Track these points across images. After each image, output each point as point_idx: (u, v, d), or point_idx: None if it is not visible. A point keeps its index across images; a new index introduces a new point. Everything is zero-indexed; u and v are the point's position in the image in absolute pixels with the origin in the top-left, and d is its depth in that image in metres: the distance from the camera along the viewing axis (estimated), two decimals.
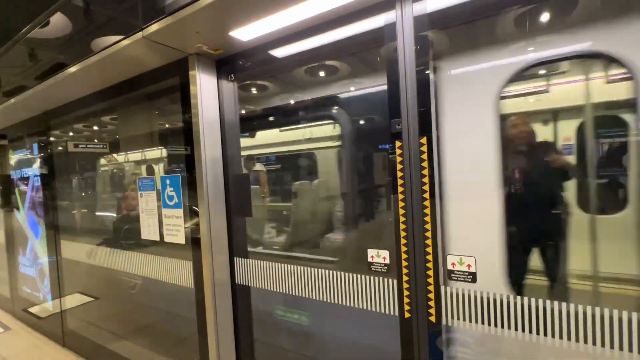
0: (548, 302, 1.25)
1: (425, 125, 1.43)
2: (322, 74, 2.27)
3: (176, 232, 2.15)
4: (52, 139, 3.43)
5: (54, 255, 3.45)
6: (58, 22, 2.22)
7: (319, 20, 1.61)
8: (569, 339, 1.22)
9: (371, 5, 1.50)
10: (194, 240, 2.07)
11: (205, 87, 1.97)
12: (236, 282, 2.14)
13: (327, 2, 1.46)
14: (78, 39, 2.16)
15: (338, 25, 1.61)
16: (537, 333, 1.27)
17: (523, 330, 1.30)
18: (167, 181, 2.17)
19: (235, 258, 2.12)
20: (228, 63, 2.02)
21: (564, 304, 1.23)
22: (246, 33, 1.69)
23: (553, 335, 1.25)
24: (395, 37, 1.47)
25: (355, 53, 1.85)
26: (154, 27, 1.62)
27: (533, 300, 1.27)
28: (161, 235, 2.27)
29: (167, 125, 3.26)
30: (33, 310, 3.92)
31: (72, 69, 2.20)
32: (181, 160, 2.14)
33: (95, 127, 3.75)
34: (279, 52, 1.88)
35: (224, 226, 2.10)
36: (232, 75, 2.03)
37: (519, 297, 1.30)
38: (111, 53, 1.88)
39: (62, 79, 2.33)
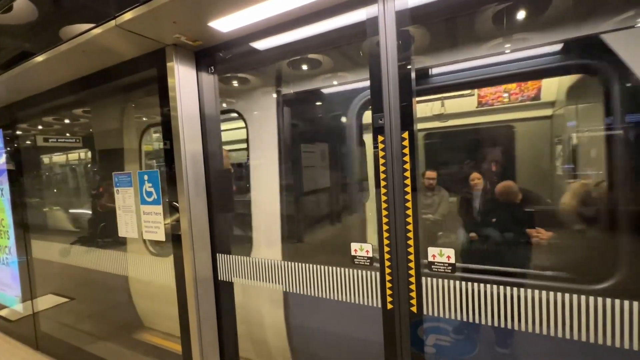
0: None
1: (407, 120, 1.45)
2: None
3: (155, 229, 2.09)
4: (18, 132, 3.24)
5: (24, 255, 3.28)
6: (22, 8, 2.08)
7: (300, 12, 1.59)
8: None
9: (353, 0, 1.49)
10: (174, 237, 2.02)
11: (184, 80, 1.91)
12: (219, 278, 2.11)
13: None
14: (45, 26, 2.03)
15: (320, 18, 1.59)
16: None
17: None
18: (145, 177, 2.09)
19: (217, 254, 2.09)
20: (208, 55, 1.96)
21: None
22: (226, 24, 1.64)
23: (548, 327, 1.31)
24: (377, 32, 1.47)
25: (338, 47, 1.84)
26: (128, 16, 1.55)
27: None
28: (140, 233, 2.21)
29: (144, 119, 3.16)
30: (2, 313, 3.73)
31: (39, 59, 2.07)
32: (159, 155, 2.08)
33: (67, 120, 3.58)
34: (261, 45, 1.85)
35: (206, 222, 2.06)
36: (212, 67, 1.97)
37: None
38: (82, 42, 1.78)
39: (29, 68, 2.19)
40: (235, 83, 2.50)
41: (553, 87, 2.55)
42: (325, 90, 2.60)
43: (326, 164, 2.99)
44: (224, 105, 2.60)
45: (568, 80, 2.30)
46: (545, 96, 2.58)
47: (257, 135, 2.46)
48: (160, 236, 2.08)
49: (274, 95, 2.42)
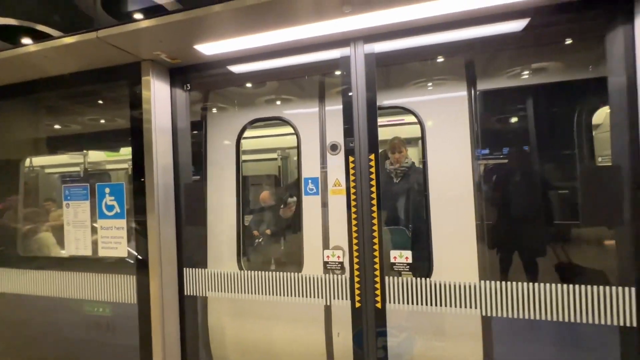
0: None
1: (373, 144, 1.74)
2: None
3: (116, 244, 1.99)
4: None
5: None
6: None
7: (281, 47, 1.79)
8: None
9: (329, 42, 1.75)
10: (141, 252, 1.95)
11: (159, 94, 1.93)
12: (185, 293, 2.08)
13: (292, 34, 1.65)
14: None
15: (299, 52, 1.82)
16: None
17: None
18: (107, 190, 2.00)
19: (185, 269, 2.08)
20: (183, 72, 2.02)
21: None
22: (211, 48, 1.75)
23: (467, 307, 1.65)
24: (349, 68, 1.76)
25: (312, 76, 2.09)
26: (113, 30, 1.56)
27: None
28: (94, 250, 2.07)
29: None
30: None
31: None
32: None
33: None
34: (238, 69, 1.99)
35: (174, 236, 2.05)
36: (188, 84, 2.03)
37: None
38: (52, 47, 1.70)
39: None
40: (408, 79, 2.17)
41: None
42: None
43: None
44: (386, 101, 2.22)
45: None
46: None
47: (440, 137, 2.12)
48: (122, 252, 1.99)
49: (464, 90, 2.07)
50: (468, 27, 1.61)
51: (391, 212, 2.50)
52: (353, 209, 1.75)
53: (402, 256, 1.75)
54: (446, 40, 1.71)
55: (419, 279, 1.70)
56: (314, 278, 1.85)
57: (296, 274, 1.90)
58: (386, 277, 1.74)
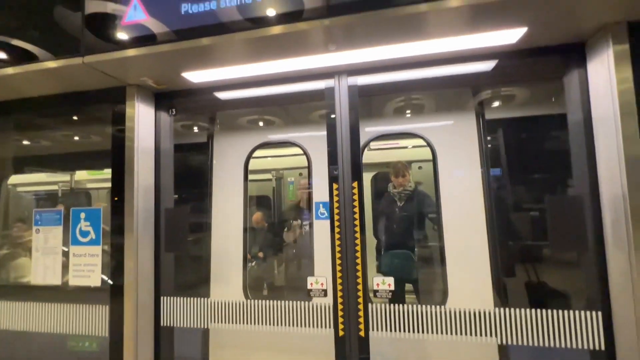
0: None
1: (357, 172, 1.79)
2: None
3: (89, 272, 1.90)
4: None
5: None
6: None
7: (269, 77, 1.85)
8: None
9: (315, 74, 1.83)
10: (116, 280, 1.86)
11: (143, 117, 1.92)
12: (161, 324, 1.99)
13: (279, 66, 1.71)
14: None
15: (286, 82, 1.88)
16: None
17: None
18: (82, 214, 1.93)
19: (162, 297, 1.99)
20: (168, 97, 2.03)
21: None
22: (198, 76, 1.79)
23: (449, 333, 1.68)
24: (333, 99, 1.83)
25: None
26: (100, 57, 1.57)
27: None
28: (64, 278, 1.95)
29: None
30: None
31: None
32: None
33: None
34: (225, 95, 2.03)
35: (151, 262, 1.98)
36: (174, 109, 2.04)
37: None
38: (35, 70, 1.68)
39: None
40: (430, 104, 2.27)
41: None
42: None
43: None
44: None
45: None
46: None
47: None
48: (95, 281, 1.89)
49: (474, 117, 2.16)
50: (443, 66, 1.74)
51: (396, 237, 2.52)
52: (337, 236, 1.77)
53: (384, 283, 1.77)
54: (424, 76, 1.83)
55: (403, 306, 1.72)
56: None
57: (279, 301, 1.86)
58: (370, 305, 1.75)
